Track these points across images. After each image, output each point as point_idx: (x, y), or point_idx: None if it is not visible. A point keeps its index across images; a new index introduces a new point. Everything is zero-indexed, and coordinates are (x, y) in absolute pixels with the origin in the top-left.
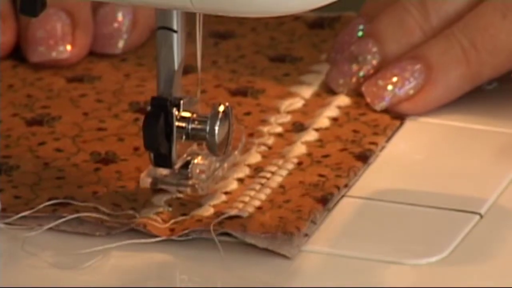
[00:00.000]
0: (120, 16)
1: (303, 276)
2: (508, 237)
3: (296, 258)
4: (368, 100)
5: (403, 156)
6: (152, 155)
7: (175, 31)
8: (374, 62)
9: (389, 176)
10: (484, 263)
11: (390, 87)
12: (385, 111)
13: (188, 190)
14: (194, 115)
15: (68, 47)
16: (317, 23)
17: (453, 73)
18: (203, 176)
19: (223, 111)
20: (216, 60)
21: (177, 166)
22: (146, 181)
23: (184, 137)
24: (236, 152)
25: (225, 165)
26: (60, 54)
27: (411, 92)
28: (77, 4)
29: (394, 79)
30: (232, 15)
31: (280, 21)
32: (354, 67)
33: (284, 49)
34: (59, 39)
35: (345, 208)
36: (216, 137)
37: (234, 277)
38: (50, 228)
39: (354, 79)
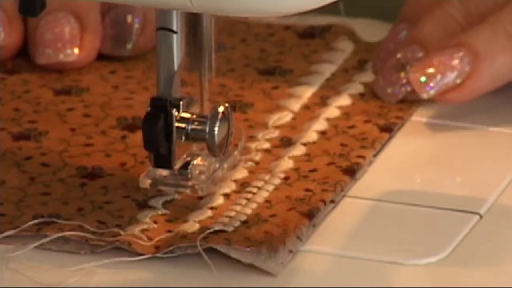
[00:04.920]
0: (129, 18)
1: (302, 276)
2: (508, 237)
3: (296, 258)
4: (416, 88)
5: (403, 157)
6: (151, 156)
7: (175, 32)
8: None
9: (389, 177)
10: (484, 263)
11: (438, 76)
12: (375, 122)
13: (188, 191)
14: (194, 116)
15: (76, 51)
16: (307, 33)
17: (499, 60)
18: (203, 177)
19: (223, 112)
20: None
21: (176, 167)
22: (145, 182)
23: (183, 137)
24: (235, 153)
25: (225, 165)
26: (67, 57)
27: (458, 81)
28: (86, 8)
29: (441, 67)
30: (232, 15)
31: (271, 31)
32: (402, 75)
33: (274, 61)
34: (67, 42)
35: (345, 208)
36: (216, 137)
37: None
38: (35, 246)
39: (403, 88)
